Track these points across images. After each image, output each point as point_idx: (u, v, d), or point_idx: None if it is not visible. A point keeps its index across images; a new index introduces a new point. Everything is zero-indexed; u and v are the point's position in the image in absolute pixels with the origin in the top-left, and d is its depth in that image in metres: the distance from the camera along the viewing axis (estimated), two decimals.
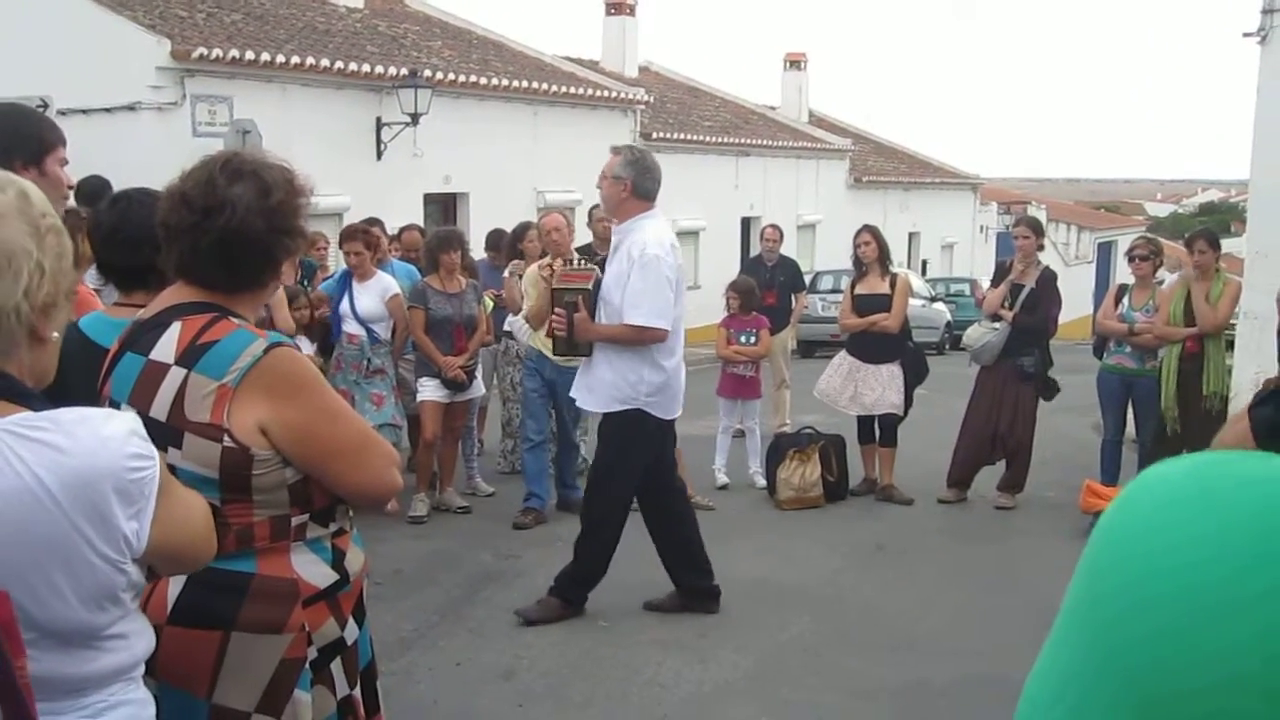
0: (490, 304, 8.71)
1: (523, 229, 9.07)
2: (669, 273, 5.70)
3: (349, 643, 2.47)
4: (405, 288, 8.31)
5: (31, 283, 1.65)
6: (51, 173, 3.18)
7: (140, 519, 1.69)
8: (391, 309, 7.99)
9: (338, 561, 2.43)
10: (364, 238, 8.05)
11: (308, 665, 2.34)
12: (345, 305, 7.88)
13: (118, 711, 1.76)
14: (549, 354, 7.91)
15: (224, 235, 2.29)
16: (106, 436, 1.66)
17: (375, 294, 7.95)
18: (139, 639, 1.78)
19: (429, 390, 7.95)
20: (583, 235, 9.43)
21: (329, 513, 2.42)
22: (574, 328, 5.87)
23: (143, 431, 1.73)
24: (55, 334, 1.77)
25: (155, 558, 1.80)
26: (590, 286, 5.93)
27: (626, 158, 5.88)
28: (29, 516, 1.57)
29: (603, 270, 6.05)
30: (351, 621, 2.47)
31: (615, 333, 5.77)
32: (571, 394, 6.26)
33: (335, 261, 9.94)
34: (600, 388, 5.84)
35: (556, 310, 5.94)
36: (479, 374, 8.28)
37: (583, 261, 6.24)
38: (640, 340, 5.71)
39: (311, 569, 2.36)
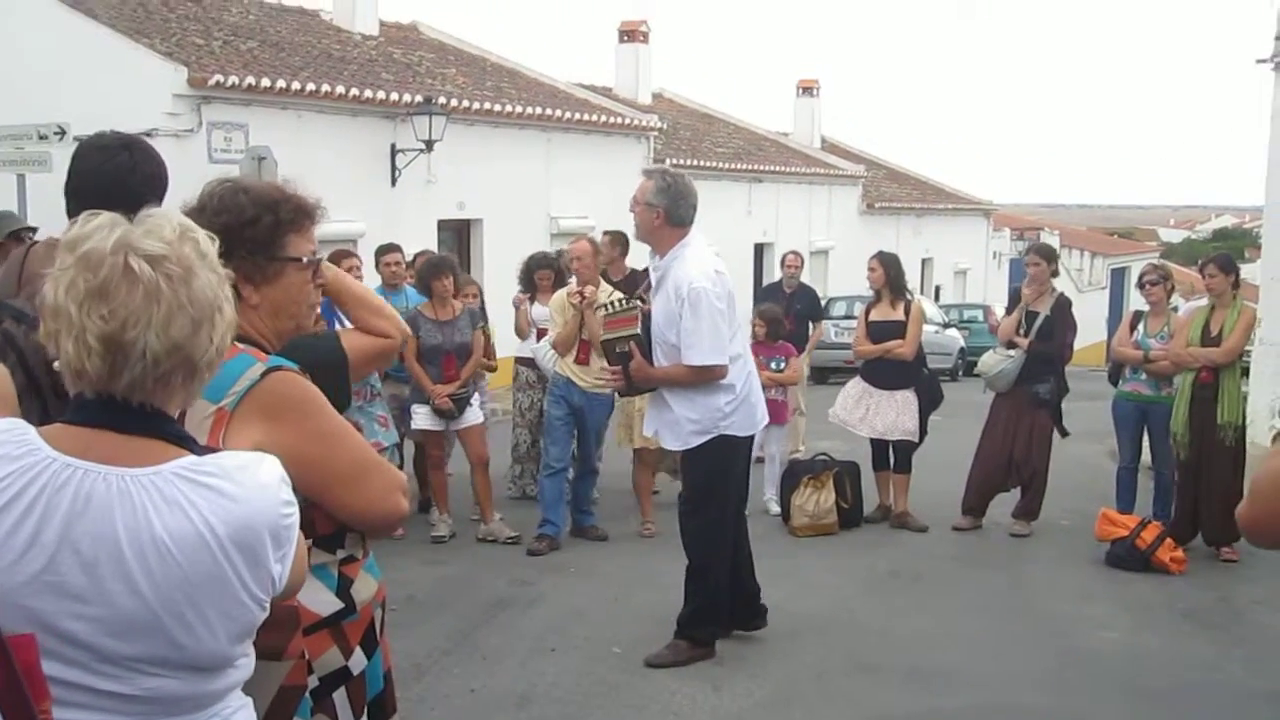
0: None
1: (537, 263, 9.02)
2: (719, 303, 5.49)
3: (355, 673, 2.44)
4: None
5: (218, 331, 1.74)
6: None
7: (285, 562, 1.77)
8: None
9: (344, 589, 2.41)
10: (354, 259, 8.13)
11: (308, 694, 2.32)
12: None
13: (240, 715, 1.84)
14: (577, 380, 7.91)
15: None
16: (265, 484, 1.73)
17: None
18: (250, 656, 1.85)
19: (421, 419, 7.96)
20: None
21: (336, 539, 2.40)
22: (630, 379, 5.67)
23: (288, 477, 1.80)
24: None
25: (284, 594, 1.89)
26: (638, 330, 5.70)
27: (658, 184, 5.60)
28: (196, 559, 1.65)
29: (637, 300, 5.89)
30: (359, 651, 2.44)
31: (676, 375, 5.59)
32: (646, 431, 6.11)
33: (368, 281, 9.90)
34: (679, 425, 5.63)
35: (609, 365, 5.65)
36: (475, 400, 8.16)
37: (623, 301, 6.00)
38: (701, 379, 5.53)
39: (314, 596, 2.33)
